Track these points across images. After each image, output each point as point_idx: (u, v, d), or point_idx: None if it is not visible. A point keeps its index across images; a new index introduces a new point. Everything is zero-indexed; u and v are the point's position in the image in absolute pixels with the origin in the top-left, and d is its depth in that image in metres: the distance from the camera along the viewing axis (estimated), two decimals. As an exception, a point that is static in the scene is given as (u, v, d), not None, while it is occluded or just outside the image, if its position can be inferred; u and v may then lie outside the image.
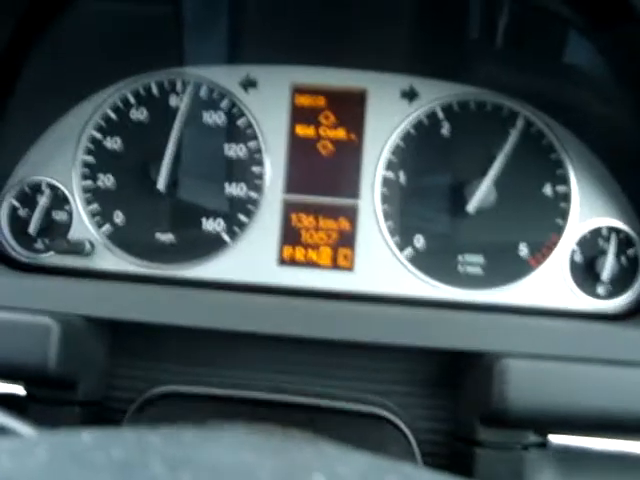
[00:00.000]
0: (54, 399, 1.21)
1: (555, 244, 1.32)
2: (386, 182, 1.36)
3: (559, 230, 1.32)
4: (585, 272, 1.31)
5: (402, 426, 1.24)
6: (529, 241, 1.33)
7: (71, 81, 1.36)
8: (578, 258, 1.32)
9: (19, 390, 1.23)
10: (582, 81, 1.31)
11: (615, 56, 1.23)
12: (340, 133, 1.38)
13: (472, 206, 1.31)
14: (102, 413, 1.26)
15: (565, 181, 1.33)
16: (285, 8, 1.31)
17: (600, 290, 1.31)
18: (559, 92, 1.34)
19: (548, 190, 1.33)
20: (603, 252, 1.31)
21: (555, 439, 1.21)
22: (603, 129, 1.32)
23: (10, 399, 1.23)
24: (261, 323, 1.19)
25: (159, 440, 0.55)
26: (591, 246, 1.32)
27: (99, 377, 1.26)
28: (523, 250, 1.33)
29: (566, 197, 1.33)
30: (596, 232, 1.32)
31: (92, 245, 1.35)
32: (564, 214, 1.32)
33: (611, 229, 1.32)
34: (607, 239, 1.32)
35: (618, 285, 1.31)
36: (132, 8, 1.31)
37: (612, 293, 1.31)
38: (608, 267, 1.29)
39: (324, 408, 1.25)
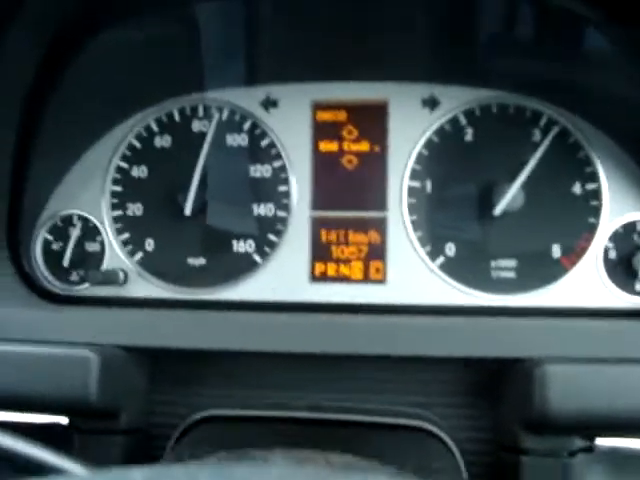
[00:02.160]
0: (98, 429, 1.23)
1: (588, 243, 1.30)
2: (413, 192, 1.35)
3: (591, 228, 1.30)
4: (622, 269, 1.29)
5: (445, 438, 1.23)
6: (561, 242, 1.31)
7: (95, 113, 1.38)
8: (613, 255, 1.30)
9: (63, 421, 1.25)
10: (604, 76, 1.29)
11: (634, 49, 1.21)
12: (363, 146, 1.37)
13: (501, 210, 1.30)
14: (145, 440, 1.27)
15: (594, 178, 1.31)
16: (301, 25, 1.32)
17: (638, 286, 1.29)
18: (581, 89, 1.32)
19: (577, 189, 1.31)
20: (638, 248, 1.29)
21: (602, 443, 1.19)
22: (629, 123, 1.30)
23: (55, 430, 1.25)
24: (297, 342, 1.20)
25: (208, 476, 0.55)
26: (626, 242, 1.30)
27: (140, 405, 1.27)
28: (556, 251, 1.31)
29: (596, 194, 1.31)
30: (630, 227, 1.30)
31: (125, 274, 1.37)
32: (596, 212, 1.30)
33: (646, 223, 1.30)
34: (642, 233, 1.30)
35: (656, 281, 1.29)
36: (149, 36, 1.32)
37: (651, 289, 1.29)
38: (644, 263, 1.27)
39: (364, 424, 1.24)
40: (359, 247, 1.36)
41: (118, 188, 1.40)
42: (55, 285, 1.38)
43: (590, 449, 1.18)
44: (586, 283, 1.30)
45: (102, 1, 1.25)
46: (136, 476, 0.56)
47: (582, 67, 1.32)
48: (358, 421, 1.24)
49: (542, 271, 1.31)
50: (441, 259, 1.34)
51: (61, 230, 1.39)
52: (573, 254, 1.31)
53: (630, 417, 1.08)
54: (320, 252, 1.37)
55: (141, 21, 1.31)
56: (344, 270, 1.36)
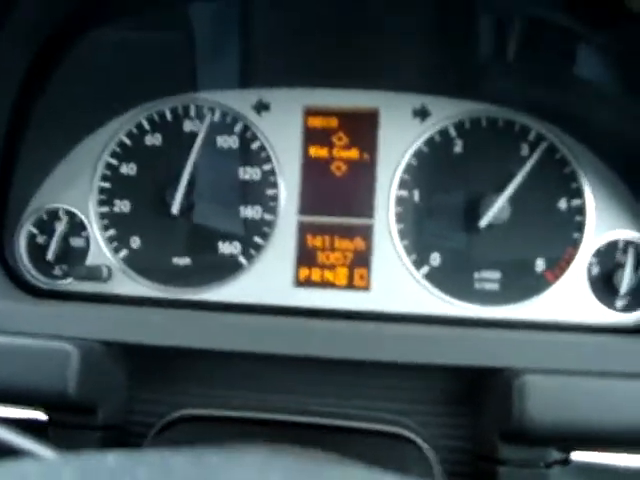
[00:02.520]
0: (75, 424, 1.21)
1: (572, 258, 1.31)
2: (400, 201, 1.36)
3: (575, 244, 1.32)
4: (603, 285, 1.30)
5: (423, 445, 1.23)
6: (545, 256, 1.32)
7: (86, 109, 1.38)
8: (596, 272, 1.31)
9: (40, 415, 1.24)
10: (593, 94, 1.31)
11: (625, 68, 1.23)
12: (353, 153, 1.38)
13: (486, 222, 1.31)
14: (122, 437, 1.26)
15: (580, 194, 1.32)
16: (295, 31, 1.33)
17: (619, 303, 1.30)
18: (570, 106, 1.34)
19: (563, 204, 1.33)
20: (621, 265, 1.30)
21: (578, 456, 1.19)
22: (616, 141, 1.32)
23: (31, 424, 1.24)
24: (279, 344, 1.19)
25: (183, 462, 0.55)
26: (609, 259, 1.31)
27: (119, 401, 1.26)
28: (540, 265, 1.32)
29: (581, 210, 1.32)
30: (613, 245, 1.31)
31: (109, 270, 1.36)
32: (580, 227, 1.32)
33: (628, 241, 1.31)
34: (625, 251, 1.31)
35: (637, 297, 1.30)
36: (144, 35, 1.33)
37: (631, 306, 1.30)
38: (626, 280, 1.28)
39: (343, 428, 1.24)
40: (344, 253, 1.36)
41: (106, 184, 1.39)
42: (38, 279, 1.37)
43: (566, 461, 1.18)
44: (568, 297, 1.31)
45: (97, 1, 1.26)
46: (110, 460, 0.55)
47: (571, 86, 1.34)
48: (337, 425, 1.24)
49: (525, 284, 1.32)
50: (426, 268, 1.34)
51: (46, 224, 1.38)
52: (557, 268, 1.32)
53: (607, 431, 1.09)
54: (305, 257, 1.37)
55: (134, 20, 1.32)
56: (328, 276, 1.36)
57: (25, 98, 1.28)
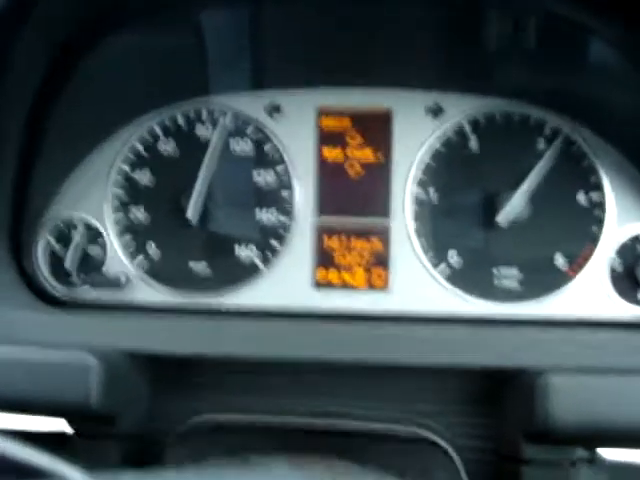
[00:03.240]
0: (96, 433, 1.22)
1: (592, 253, 1.30)
2: (416, 200, 1.35)
3: (595, 238, 1.30)
4: (625, 280, 1.29)
5: (447, 447, 1.23)
6: (565, 251, 1.31)
7: (99, 117, 1.38)
8: (617, 265, 1.30)
9: (61, 424, 1.25)
10: (609, 86, 1.29)
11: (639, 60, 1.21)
12: (367, 153, 1.37)
13: (504, 219, 1.30)
14: (145, 445, 1.27)
15: (599, 188, 1.31)
16: (305, 32, 1.32)
17: (641, 298, 1.29)
18: (586, 98, 1.32)
19: (582, 198, 1.31)
20: (642, 259, 1.29)
21: (603, 454, 1.19)
22: (634, 132, 1.30)
23: (53, 433, 1.25)
24: (299, 349, 1.19)
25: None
26: (630, 252, 1.29)
27: (140, 410, 1.27)
28: (559, 260, 1.31)
29: (601, 204, 1.30)
30: (634, 238, 1.29)
31: (127, 278, 1.36)
32: (599, 222, 1.30)
33: (650, 234, 1.30)
34: (646, 245, 1.29)
35: (659, 292, 1.28)
36: (155, 40, 1.33)
37: (654, 300, 1.28)
38: (648, 274, 1.27)
39: (366, 432, 1.24)
40: (361, 254, 1.36)
41: (121, 192, 1.39)
42: (56, 288, 1.37)
43: (592, 460, 1.17)
44: (589, 293, 1.30)
45: (109, 7, 1.25)
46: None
47: (586, 77, 1.32)
48: (359, 429, 1.24)
49: (545, 280, 1.31)
50: (444, 267, 1.33)
51: (63, 233, 1.38)
52: (576, 264, 1.30)
53: (632, 428, 1.08)
54: (322, 258, 1.36)
55: (147, 26, 1.31)
56: (346, 277, 1.36)
57: (39, 109, 1.28)
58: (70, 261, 1.36)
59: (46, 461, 0.74)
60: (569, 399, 1.08)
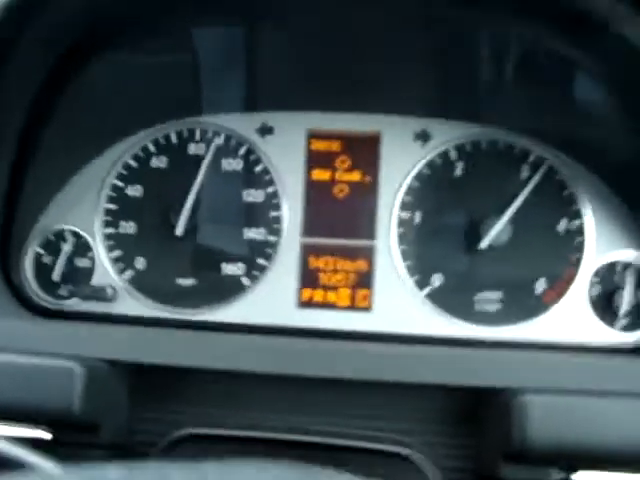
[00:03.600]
0: (78, 442, 1.22)
1: (572, 279, 1.33)
2: (402, 222, 1.38)
3: (575, 264, 1.33)
4: (603, 306, 1.31)
5: (425, 465, 1.23)
6: (546, 276, 1.33)
7: (92, 132, 1.40)
8: (596, 292, 1.32)
9: (43, 433, 1.24)
10: (592, 116, 1.33)
11: (622, 92, 1.25)
12: (355, 176, 1.40)
13: (487, 244, 1.32)
14: (125, 456, 1.26)
15: (579, 216, 1.34)
16: (298, 56, 1.36)
17: (619, 323, 1.31)
18: (569, 129, 1.36)
19: (563, 225, 1.34)
20: (621, 285, 1.31)
21: (581, 476, 1.19)
22: (615, 163, 1.34)
23: (34, 442, 1.24)
24: (282, 364, 1.20)
25: (182, 474, 0.56)
26: (609, 279, 1.32)
27: (122, 420, 1.27)
28: (540, 286, 1.33)
29: (581, 231, 1.34)
30: (613, 265, 1.33)
31: (114, 290, 1.37)
32: (580, 248, 1.33)
33: (628, 262, 1.32)
34: (625, 272, 1.32)
35: (638, 318, 1.30)
36: (149, 59, 1.36)
37: (632, 326, 1.30)
38: (627, 300, 1.29)
39: (346, 448, 1.24)
40: (347, 274, 1.38)
41: (112, 206, 1.41)
42: (44, 299, 1.38)
43: (568, 481, 1.18)
44: (569, 318, 1.32)
45: (104, 25, 1.28)
46: (111, 473, 0.56)
47: (569, 108, 1.36)
48: (339, 445, 1.24)
49: (526, 304, 1.33)
50: (428, 289, 1.36)
51: (52, 244, 1.39)
52: (557, 289, 1.33)
53: (608, 450, 1.09)
54: (308, 278, 1.38)
55: (142, 45, 1.34)
56: (331, 297, 1.37)
57: (33, 121, 1.30)
58: (58, 272, 1.38)
59: (25, 454, 0.75)
60: (546, 419, 1.09)
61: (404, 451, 1.23)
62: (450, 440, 1.26)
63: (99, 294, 1.36)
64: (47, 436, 1.24)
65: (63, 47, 1.27)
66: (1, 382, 1.15)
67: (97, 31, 1.28)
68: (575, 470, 1.18)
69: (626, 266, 1.32)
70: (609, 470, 1.18)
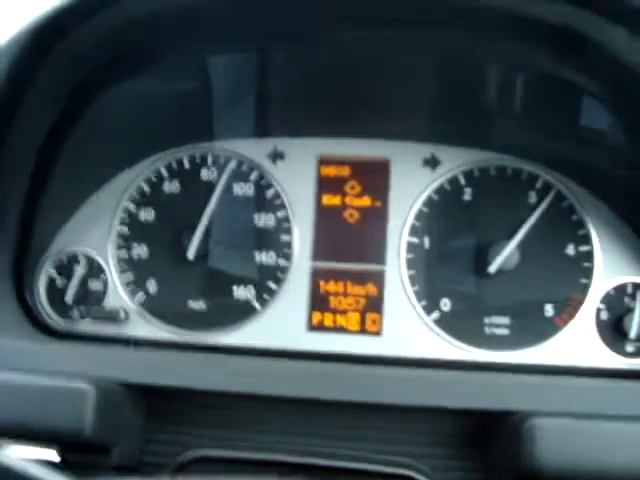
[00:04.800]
0: (88, 464, 1.22)
1: (580, 303, 1.33)
2: (411, 247, 1.39)
3: (584, 289, 1.34)
4: (612, 330, 1.32)
5: (433, 489, 1.23)
6: (554, 301, 1.34)
7: (106, 158, 1.43)
8: (605, 316, 1.33)
9: (53, 456, 1.25)
10: (598, 142, 1.35)
11: (627, 118, 1.27)
12: (365, 201, 1.42)
13: (496, 268, 1.34)
14: (137, 478, 1.27)
15: (587, 241, 1.35)
16: (309, 83, 1.38)
17: (628, 348, 1.31)
18: (576, 154, 1.38)
19: (571, 250, 1.35)
20: (630, 309, 1.32)
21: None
22: (622, 188, 1.36)
23: (45, 464, 1.24)
24: (291, 387, 1.21)
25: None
26: (617, 304, 1.33)
27: (134, 442, 1.27)
28: (549, 310, 1.34)
29: (589, 256, 1.35)
30: (622, 289, 1.33)
31: (126, 313, 1.39)
32: (588, 273, 1.34)
33: (637, 286, 1.33)
34: (633, 296, 1.33)
35: (647, 342, 1.32)
36: (163, 87, 1.39)
37: (640, 350, 1.31)
38: (636, 324, 1.30)
39: (354, 471, 1.24)
40: (357, 299, 1.39)
41: (125, 229, 1.44)
42: (56, 320, 1.39)
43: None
44: (577, 342, 1.32)
45: (121, 53, 1.31)
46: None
47: (576, 134, 1.38)
48: (348, 468, 1.24)
49: (535, 329, 1.34)
50: (436, 314, 1.37)
51: (66, 267, 1.41)
52: (565, 314, 1.34)
53: (617, 474, 1.09)
54: (318, 302, 1.39)
55: (155, 72, 1.37)
56: (341, 321, 1.38)
57: (49, 148, 1.33)
58: (71, 294, 1.39)
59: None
60: (555, 442, 1.09)
61: (412, 474, 1.23)
62: (459, 463, 1.26)
63: (111, 316, 1.38)
64: (56, 457, 1.25)
65: (80, 75, 1.29)
66: (14, 402, 1.16)
67: (112, 64, 1.31)
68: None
69: (635, 290, 1.33)
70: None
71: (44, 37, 1.14)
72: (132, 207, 1.44)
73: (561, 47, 1.20)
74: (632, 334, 1.30)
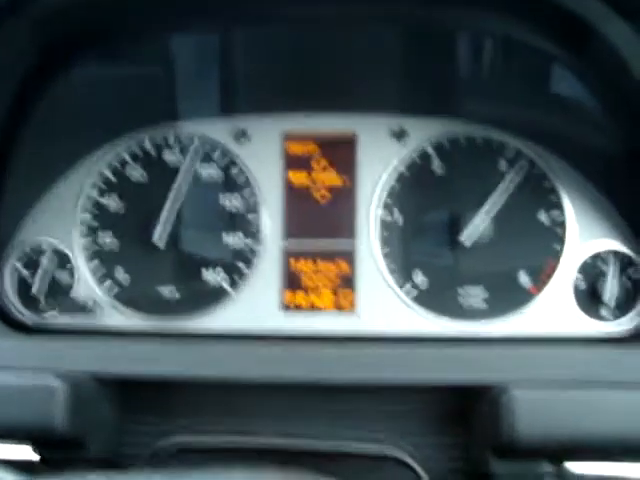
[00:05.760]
0: (64, 459, 1.21)
1: (554, 270, 1.32)
2: (382, 222, 1.37)
3: (557, 256, 1.33)
4: (588, 296, 1.32)
5: (415, 466, 1.23)
6: (528, 269, 1.33)
7: (66, 143, 1.39)
8: (579, 282, 1.32)
9: (28, 451, 1.23)
10: (567, 109, 1.34)
11: (598, 85, 1.25)
12: (333, 177, 1.40)
13: (467, 238, 1.32)
14: (114, 470, 1.25)
15: (559, 207, 1.34)
16: (270, 58, 1.35)
17: (604, 313, 1.31)
18: (546, 121, 1.36)
19: (543, 217, 1.34)
20: (604, 274, 1.31)
21: (571, 467, 1.19)
22: (592, 153, 1.34)
23: (18, 461, 1.23)
24: (267, 371, 1.19)
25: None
26: (591, 269, 1.32)
27: (109, 434, 1.26)
28: (523, 279, 1.33)
29: (562, 223, 1.33)
30: (595, 255, 1.32)
31: (95, 303, 1.36)
32: (561, 240, 1.33)
33: (610, 251, 1.32)
34: (606, 261, 1.32)
35: (622, 306, 1.30)
36: (123, 67, 1.36)
37: (616, 315, 1.30)
38: (609, 289, 1.29)
39: (335, 453, 1.23)
40: (328, 276, 1.37)
41: (89, 217, 1.40)
42: (24, 314, 1.36)
43: (559, 474, 1.18)
44: (553, 310, 1.32)
45: (75, 34, 1.27)
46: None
47: (546, 102, 1.36)
48: (329, 450, 1.23)
49: (510, 298, 1.33)
50: (410, 288, 1.35)
51: (31, 259, 1.38)
52: (540, 281, 1.33)
53: (597, 441, 1.09)
54: (290, 281, 1.37)
55: (113, 53, 1.34)
56: (314, 299, 1.37)
57: (6, 134, 1.29)
58: (38, 287, 1.36)
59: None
60: (534, 413, 1.09)
61: (393, 453, 1.23)
62: (439, 440, 1.25)
63: (80, 307, 1.35)
64: (34, 454, 1.23)
65: (34, 59, 1.25)
66: (-17, 400, 1.14)
67: (70, 42, 1.27)
68: (565, 462, 1.18)
69: (609, 254, 1.32)
70: (599, 461, 1.18)
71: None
72: (96, 194, 1.40)
73: (534, 17, 1.17)
74: (606, 299, 1.29)
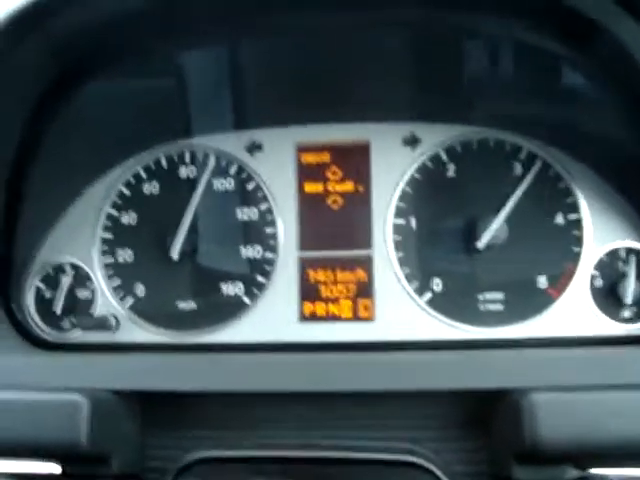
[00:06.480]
0: (89, 475, 1.22)
1: (573, 272, 1.31)
2: (398, 229, 1.37)
3: (575, 258, 1.32)
4: (608, 297, 1.30)
5: (438, 472, 1.22)
6: (547, 272, 1.32)
7: (83, 162, 1.41)
8: (599, 283, 1.31)
9: (53, 468, 1.24)
10: (580, 108, 1.32)
11: (610, 84, 1.24)
12: (348, 186, 1.40)
13: (485, 244, 1.31)
14: (138, 485, 1.27)
15: (576, 209, 1.33)
16: (281, 70, 1.36)
17: (625, 313, 1.29)
18: (559, 122, 1.35)
19: (560, 219, 1.33)
20: (624, 275, 1.29)
21: (595, 472, 1.17)
22: (607, 153, 1.33)
23: (43, 476, 1.24)
24: (287, 381, 1.20)
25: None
26: (611, 270, 1.31)
27: (133, 449, 1.27)
28: (542, 282, 1.32)
29: (578, 224, 1.32)
30: (614, 255, 1.31)
31: (116, 319, 1.38)
32: (578, 241, 1.32)
33: (629, 250, 1.31)
34: (626, 261, 1.30)
35: (642, 307, 1.29)
36: (135, 84, 1.37)
37: (637, 316, 1.29)
38: (630, 289, 1.28)
39: (357, 460, 1.23)
40: (347, 286, 1.37)
41: (108, 235, 1.42)
42: (47, 332, 1.39)
43: (583, 479, 1.16)
44: (573, 312, 1.31)
45: (91, 52, 1.29)
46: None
47: (559, 102, 1.34)
48: (351, 458, 1.23)
49: (529, 302, 1.32)
50: (428, 294, 1.35)
51: (52, 278, 1.40)
52: (559, 284, 1.32)
53: (620, 445, 1.07)
54: (308, 292, 1.38)
55: (126, 70, 1.35)
56: (333, 309, 1.37)
57: (22, 155, 1.31)
58: (59, 305, 1.38)
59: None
60: (556, 417, 1.08)
61: (414, 459, 1.22)
62: (460, 445, 1.24)
63: (101, 324, 1.36)
64: (57, 470, 1.24)
65: (52, 78, 1.27)
66: (7, 419, 1.15)
67: (82, 60, 1.29)
68: (589, 467, 1.17)
69: (628, 255, 1.31)
70: (623, 465, 1.16)
71: (16, 30, 1.12)
72: (114, 212, 1.42)
73: (545, 18, 1.17)
74: (627, 299, 1.27)
